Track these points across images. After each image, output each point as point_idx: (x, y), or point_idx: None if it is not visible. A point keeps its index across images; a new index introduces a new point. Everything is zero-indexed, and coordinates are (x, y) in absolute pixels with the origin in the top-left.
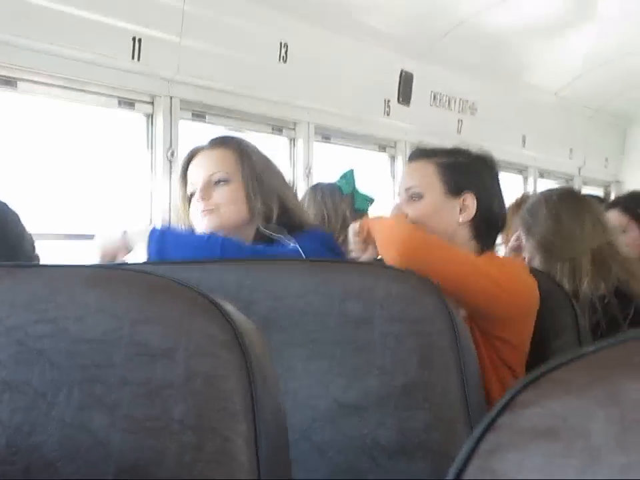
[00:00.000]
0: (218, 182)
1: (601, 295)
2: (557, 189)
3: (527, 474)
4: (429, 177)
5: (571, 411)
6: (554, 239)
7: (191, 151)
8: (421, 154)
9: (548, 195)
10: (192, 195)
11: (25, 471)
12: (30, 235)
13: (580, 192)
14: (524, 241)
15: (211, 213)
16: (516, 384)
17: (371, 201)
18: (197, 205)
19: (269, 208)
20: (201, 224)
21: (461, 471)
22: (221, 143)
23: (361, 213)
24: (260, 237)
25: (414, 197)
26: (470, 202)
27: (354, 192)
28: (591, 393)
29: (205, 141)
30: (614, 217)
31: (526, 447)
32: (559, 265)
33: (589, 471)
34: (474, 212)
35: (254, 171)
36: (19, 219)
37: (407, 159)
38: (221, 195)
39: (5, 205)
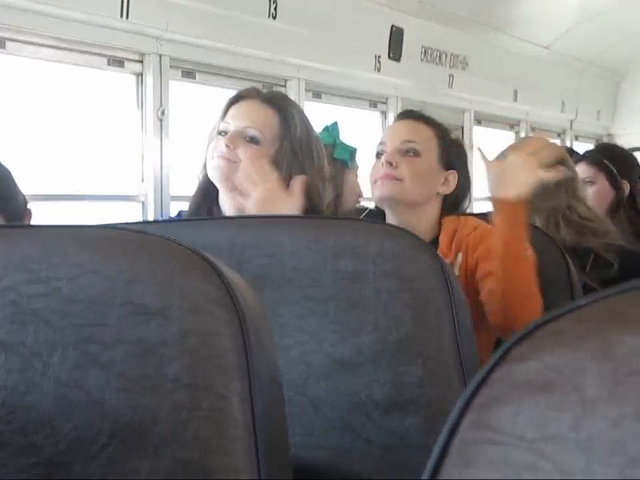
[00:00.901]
0: (249, 140)
1: None
2: None
3: (521, 427)
4: (430, 139)
5: (564, 364)
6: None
7: (239, 93)
8: (422, 117)
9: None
10: (220, 132)
11: (21, 430)
12: (22, 192)
13: None
14: None
15: (229, 162)
16: (510, 337)
17: (352, 151)
18: (218, 146)
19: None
20: (214, 167)
21: (456, 425)
22: (272, 99)
23: (341, 162)
24: None
25: (411, 152)
26: (452, 179)
27: (335, 142)
28: (584, 346)
29: (251, 87)
30: (582, 169)
31: (520, 400)
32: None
33: (583, 423)
34: (452, 189)
35: (291, 148)
36: (10, 175)
37: (404, 116)
38: (245, 151)
39: None
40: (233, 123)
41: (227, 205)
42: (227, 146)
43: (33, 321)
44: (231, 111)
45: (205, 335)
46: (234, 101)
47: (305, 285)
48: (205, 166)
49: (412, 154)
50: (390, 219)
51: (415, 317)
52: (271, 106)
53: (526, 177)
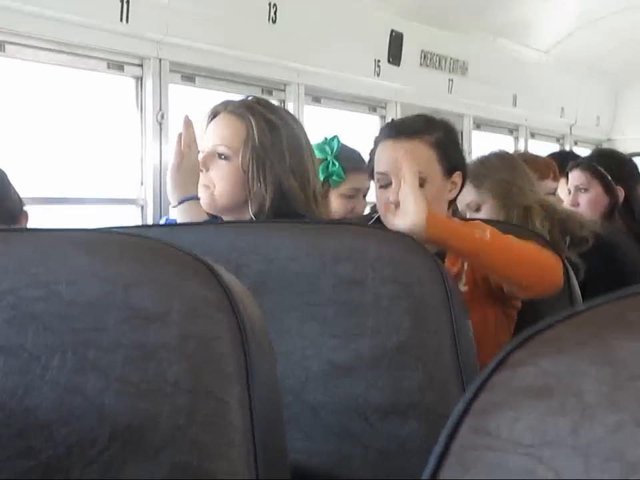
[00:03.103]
0: (219, 155)
1: None
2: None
3: (520, 432)
4: (429, 161)
5: (563, 370)
6: (510, 187)
7: (211, 110)
8: (410, 131)
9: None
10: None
11: (19, 433)
12: (17, 193)
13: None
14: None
15: (207, 188)
16: (509, 343)
17: (344, 167)
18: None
19: (264, 193)
20: (201, 193)
21: (455, 430)
22: (235, 109)
23: (330, 180)
24: None
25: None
26: (458, 179)
27: (327, 158)
28: (583, 352)
29: (223, 102)
30: (575, 176)
31: (519, 406)
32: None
33: (581, 428)
34: (459, 189)
35: (260, 150)
36: (5, 176)
37: (390, 136)
38: (217, 171)
39: None
40: (207, 142)
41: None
42: (201, 170)
43: (32, 324)
44: (208, 128)
45: (205, 340)
46: (210, 118)
47: (303, 290)
48: None
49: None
50: None
51: (414, 321)
52: (235, 116)
53: (416, 205)
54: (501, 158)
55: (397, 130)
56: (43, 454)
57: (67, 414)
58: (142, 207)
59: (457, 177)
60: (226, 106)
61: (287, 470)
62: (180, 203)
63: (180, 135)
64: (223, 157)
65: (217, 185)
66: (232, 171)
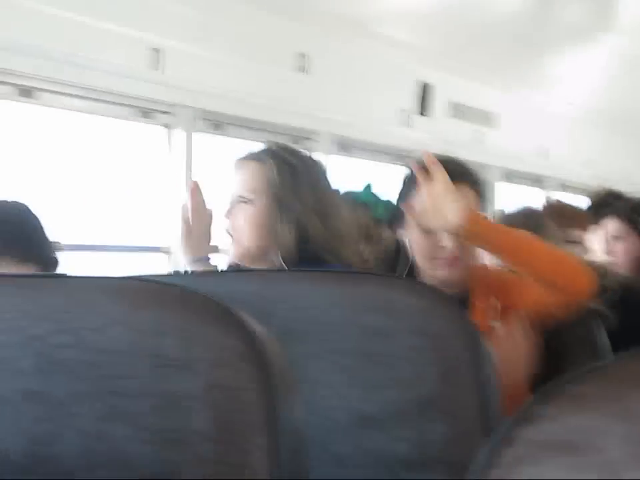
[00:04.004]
0: (243, 201)
1: None
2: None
3: None
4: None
5: (586, 426)
6: None
7: (235, 162)
8: (458, 176)
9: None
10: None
11: None
12: (51, 240)
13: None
14: None
15: (232, 237)
16: (531, 397)
17: (389, 206)
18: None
19: (287, 234)
20: (227, 244)
21: None
22: (256, 155)
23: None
24: None
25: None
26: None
27: (376, 202)
28: (606, 408)
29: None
30: (612, 224)
31: (542, 461)
32: None
33: None
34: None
35: (281, 192)
36: (40, 224)
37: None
38: (239, 216)
39: (27, 208)
40: (233, 191)
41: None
42: (226, 217)
43: (59, 371)
44: (234, 178)
45: (231, 389)
46: (236, 168)
47: (331, 339)
48: None
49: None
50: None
51: (440, 374)
52: (256, 161)
53: (453, 204)
54: (525, 215)
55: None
56: None
57: (92, 462)
58: (169, 255)
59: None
60: (249, 154)
61: None
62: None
63: (184, 207)
64: (246, 201)
65: (240, 230)
66: (255, 213)
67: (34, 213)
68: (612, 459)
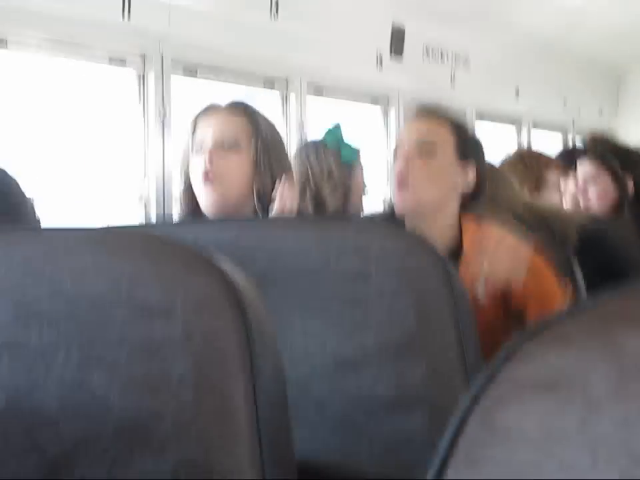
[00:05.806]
0: (228, 147)
1: None
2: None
3: (528, 426)
4: (444, 134)
5: (570, 364)
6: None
7: (205, 107)
8: (433, 111)
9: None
10: (196, 149)
11: (25, 430)
12: (30, 200)
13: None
14: None
15: (212, 182)
16: (515, 337)
17: (356, 152)
18: (197, 167)
19: (269, 185)
20: (201, 190)
21: (461, 424)
22: (236, 107)
23: (348, 165)
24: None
25: (425, 153)
26: (472, 173)
27: (340, 145)
28: (590, 346)
29: (220, 102)
30: (584, 168)
31: (526, 400)
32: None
33: (589, 422)
34: (472, 184)
35: (265, 144)
36: (18, 185)
37: (415, 114)
38: (227, 163)
39: (3, 171)
40: (207, 135)
41: (197, 184)
42: (209, 162)
43: (37, 321)
44: (200, 124)
45: (210, 335)
46: (200, 115)
47: (308, 285)
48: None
49: (426, 155)
50: (408, 224)
51: (418, 315)
52: (237, 113)
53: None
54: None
55: (420, 110)
56: (49, 451)
57: (72, 410)
58: (145, 204)
59: (471, 169)
60: (218, 105)
61: (292, 465)
62: None
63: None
64: (234, 145)
65: (225, 177)
66: (243, 161)
67: (10, 175)
68: (595, 396)
